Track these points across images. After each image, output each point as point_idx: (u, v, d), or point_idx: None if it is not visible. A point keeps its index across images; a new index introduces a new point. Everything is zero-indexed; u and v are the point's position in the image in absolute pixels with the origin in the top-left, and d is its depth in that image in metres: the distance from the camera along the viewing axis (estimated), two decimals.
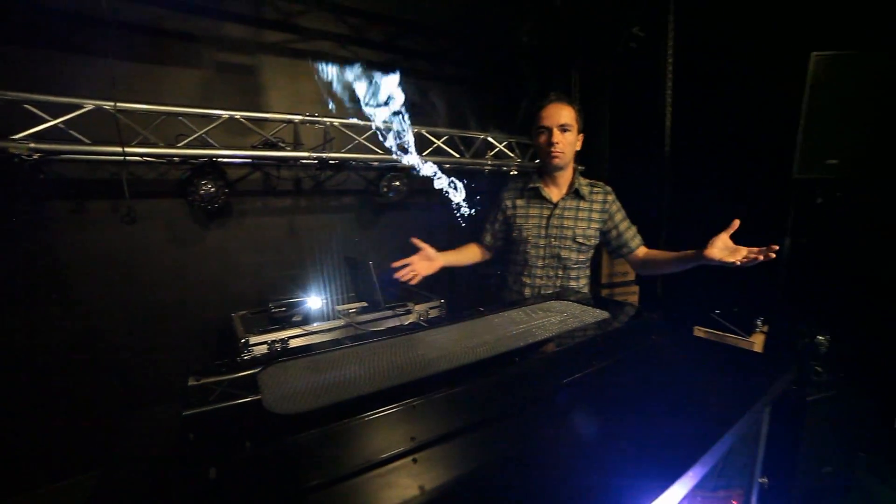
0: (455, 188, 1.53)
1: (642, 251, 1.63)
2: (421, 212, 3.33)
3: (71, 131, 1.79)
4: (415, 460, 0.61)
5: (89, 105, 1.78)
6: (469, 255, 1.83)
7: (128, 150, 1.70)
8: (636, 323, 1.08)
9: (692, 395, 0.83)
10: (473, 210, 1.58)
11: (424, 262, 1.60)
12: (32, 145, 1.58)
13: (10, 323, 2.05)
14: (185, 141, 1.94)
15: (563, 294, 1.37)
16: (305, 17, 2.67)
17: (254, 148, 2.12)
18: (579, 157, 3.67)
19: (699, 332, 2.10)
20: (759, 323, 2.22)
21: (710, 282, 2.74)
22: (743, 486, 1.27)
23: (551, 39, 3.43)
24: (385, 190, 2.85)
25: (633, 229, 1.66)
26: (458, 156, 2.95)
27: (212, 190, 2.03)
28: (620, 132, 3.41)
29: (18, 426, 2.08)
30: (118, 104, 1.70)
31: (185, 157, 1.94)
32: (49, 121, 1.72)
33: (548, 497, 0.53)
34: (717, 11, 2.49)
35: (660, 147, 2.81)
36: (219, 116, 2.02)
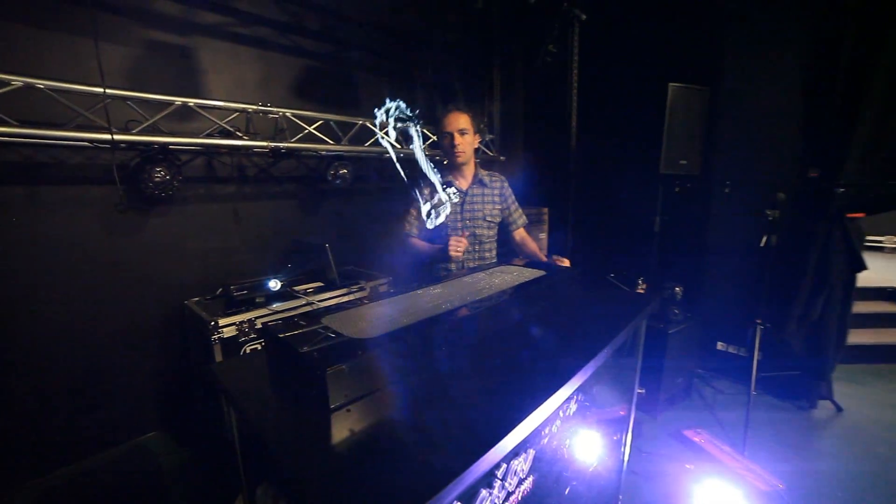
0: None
1: (521, 232, 2.09)
2: (362, 197, 3.52)
3: None
4: (451, 357, 0.95)
5: (17, 82, 1.66)
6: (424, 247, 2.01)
7: (118, 137, 1.65)
8: (564, 275, 1.54)
9: (604, 314, 1.30)
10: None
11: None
12: None
13: None
14: (141, 127, 1.89)
15: (511, 262, 1.79)
16: (244, 1, 2.65)
17: (209, 136, 2.13)
18: (501, 147, 4.16)
19: None
20: (640, 281, 2.97)
21: (607, 252, 3.50)
22: (627, 401, 1.83)
23: (476, 42, 3.83)
24: (331, 177, 2.99)
25: (520, 210, 2.10)
26: (398, 146, 3.20)
27: (167, 178, 2.01)
28: (534, 128, 3.99)
29: None
30: (107, 90, 1.63)
31: (163, 145, 1.91)
32: None
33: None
34: (609, 41, 3.13)
35: (566, 143, 3.41)
36: (172, 102, 2.00)
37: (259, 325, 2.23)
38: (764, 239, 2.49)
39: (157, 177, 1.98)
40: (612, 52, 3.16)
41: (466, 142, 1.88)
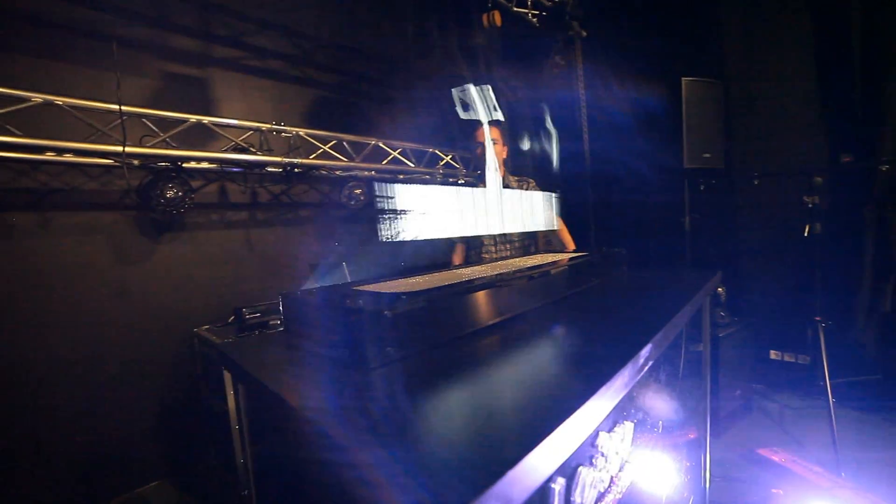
0: None
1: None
2: (374, 223, 3.44)
3: (9, 127, 1.63)
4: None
5: (37, 99, 1.65)
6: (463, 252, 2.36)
7: (129, 150, 1.60)
8: (615, 255, 1.38)
9: (664, 291, 1.13)
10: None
11: None
12: None
13: None
14: (154, 141, 1.86)
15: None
16: (255, 36, 2.75)
17: (225, 152, 2.10)
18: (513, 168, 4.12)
19: None
20: None
21: (635, 258, 3.31)
22: (696, 422, 1.61)
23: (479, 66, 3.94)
24: (345, 199, 2.94)
25: None
26: (412, 165, 3.18)
27: (178, 194, 1.95)
28: (545, 144, 3.97)
29: None
30: (123, 107, 1.62)
31: (174, 160, 1.87)
32: None
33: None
34: (613, 46, 3.19)
35: (580, 153, 3.36)
36: (186, 120, 1.99)
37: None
38: (807, 228, 2.32)
39: (169, 193, 1.91)
40: (619, 55, 3.19)
41: (496, 151, 2.07)
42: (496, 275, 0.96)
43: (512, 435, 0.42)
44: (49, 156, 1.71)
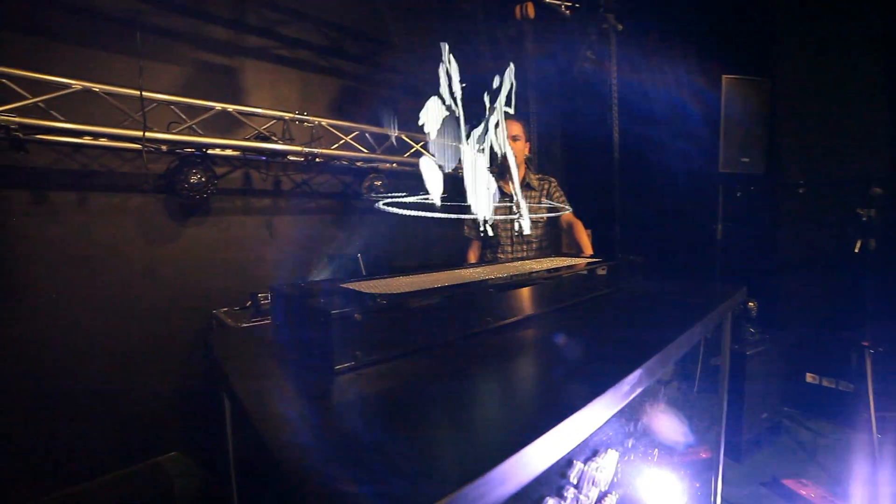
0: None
1: (568, 216, 2.19)
2: (397, 216, 3.44)
3: (52, 112, 1.73)
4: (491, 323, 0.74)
5: (77, 86, 1.74)
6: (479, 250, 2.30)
7: (149, 135, 1.67)
8: (630, 264, 1.30)
9: (677, 307, 1.04)
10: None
11: None
12: (18, 120, 1.51)
13: None
14: (179, 129, 1.93)
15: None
16: (286, 26, 2.78)
17: (247, 140, 2.15)
18: (539, 166, 4.00)
19: None
20: None
21: (663, 266, 3.15)
22: (710, 441, 1.51)
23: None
24: (365, 191, 2.94)
25: (565, 199, 2.24)
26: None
27: (202, 179, 2.01)
28: (573, 143, 3.84)
29: None
30: (145, 93, 1.69)
31: (198, 146, 1.95)
32: (28, 98, 1.65)
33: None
34: (650, 41, 3.00)
35: (609, 153, 3.21)
36: (211, 108, 2.04)
37: None
38: (859, 243, 2.12)
39: (193, 178, 1.98)
40: (656, 50, 3.01)
41: (517, 148, 2.01)
42: (493, 278, 0.92)
43: (456, 460, 0.38)
44: (86, 139, 1.79)
